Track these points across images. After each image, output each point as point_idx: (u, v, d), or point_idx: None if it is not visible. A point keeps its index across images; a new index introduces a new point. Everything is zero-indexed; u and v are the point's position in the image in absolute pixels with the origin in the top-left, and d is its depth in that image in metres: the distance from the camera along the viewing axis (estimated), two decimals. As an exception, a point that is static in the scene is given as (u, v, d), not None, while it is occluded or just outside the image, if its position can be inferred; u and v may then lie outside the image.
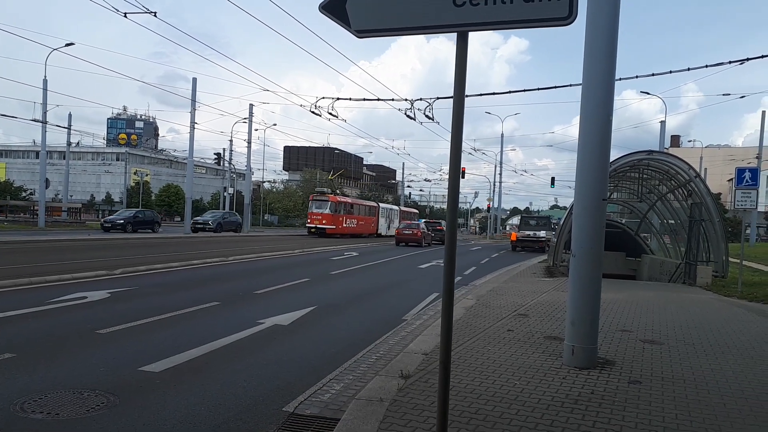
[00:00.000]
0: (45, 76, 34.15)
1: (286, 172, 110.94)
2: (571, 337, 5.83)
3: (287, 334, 7.57)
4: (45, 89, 33.99)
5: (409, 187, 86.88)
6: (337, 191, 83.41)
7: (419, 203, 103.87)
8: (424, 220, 49.00)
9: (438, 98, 22.59)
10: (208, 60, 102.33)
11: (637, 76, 18.01)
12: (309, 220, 42.20)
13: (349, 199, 48.69)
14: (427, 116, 23.02)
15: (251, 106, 44.23)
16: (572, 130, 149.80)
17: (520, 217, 56.35)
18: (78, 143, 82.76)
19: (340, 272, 16.31)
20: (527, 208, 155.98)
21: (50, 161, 69.62)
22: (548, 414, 4.24)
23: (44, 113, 34.06)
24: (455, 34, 3.13)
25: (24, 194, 71.70)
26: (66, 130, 51.07)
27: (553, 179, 53.62)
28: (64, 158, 64.89)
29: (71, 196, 72.23)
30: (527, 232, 38.34)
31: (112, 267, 13.44)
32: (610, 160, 6.66)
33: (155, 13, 15.77)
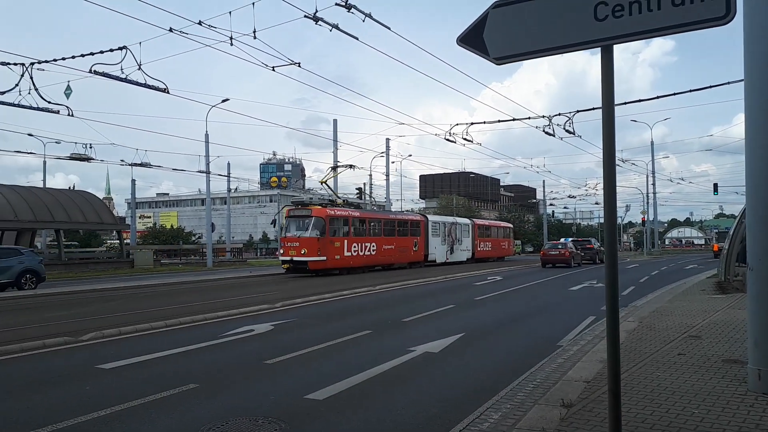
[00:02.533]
0: (206, 131, 38.12)
1: (423, 200, 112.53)
2: (756, 360, 5.20)
3: (439, 361, 7.59)
4: (207, 143, 37.91)
5: (551, 205, 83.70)
6: (476, 213, 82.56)
7: (564, 221, 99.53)
8: (571, 239, 42.70)
9: (578, 111, 21.78)
10: (346, 101, 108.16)
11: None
12: (282, 250, 27.38)
13: (357, 212, 30.48)
14: (567, 131, 22.21)
15: (387, 140, 45.76)
16: (734, 130, 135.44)
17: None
18: (236, 189, 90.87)
19: (485, 297, 16.06)
20: (687, 218, 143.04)
21: (214, 207, 76.99)
22: (738, 448, 3.80)
23: (207, 164, 37.93)
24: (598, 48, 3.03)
25: (193, 238, 79.90)
26: (226, 177, 56.38)
27: (715, 186, 49.30)
28: (225, 203, 71.42)
29: (233, 237, 79.14)
30: None
31: (273, 301, 14.44)
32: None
33: (299, 63, 17.02)
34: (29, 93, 16.61)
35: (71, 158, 29.02)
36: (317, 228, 25.99)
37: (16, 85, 16.49)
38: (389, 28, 15.47)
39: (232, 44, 14.71)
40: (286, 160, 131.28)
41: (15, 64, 16.47)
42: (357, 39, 15.80)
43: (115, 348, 8.83)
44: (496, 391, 5.85)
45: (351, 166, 34.26)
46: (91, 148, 27.68)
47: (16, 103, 16.96)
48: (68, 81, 17.40)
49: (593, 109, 21.16)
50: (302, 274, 25.95)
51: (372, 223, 30.81)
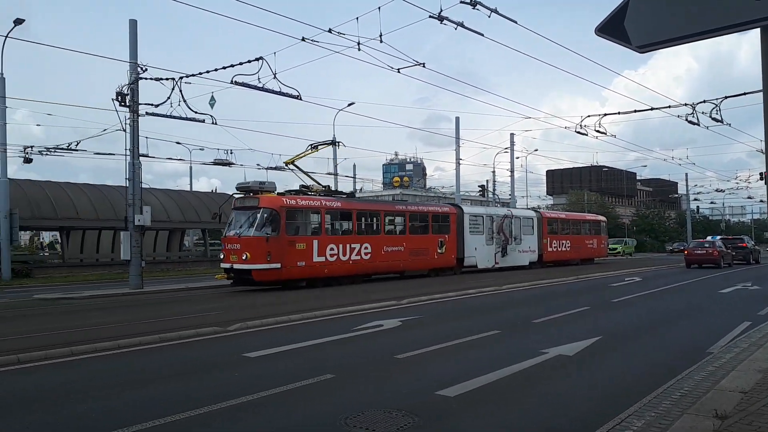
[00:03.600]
0: (334, 134, 39.62)
1: (550, 197, 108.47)
2: None
3: (573, 364, 7.32)
4: (335, 145, 39.48)
5: (695, 200, 76.92)
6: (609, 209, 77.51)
7: (710, 217, 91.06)
8: (719, 237, 37.39)
9: (726, 97, 19.80)
10: (468, 97, 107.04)
11: None
12: (222, 254, 19.36)
13: (336, 202, 21.45)
14: (714, 119, 20.31)
15: (512, 135, 44.67)
16: None
17: None
18: (361, 189, 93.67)
19: (623, 300, 15.16)
20: None
21: (341, 206, 79.63)
22: None
23: (335, 166, 39.42)
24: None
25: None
26: (352, 179, 58.30)
27: None
28: (351, 203, 73.49)
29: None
30: None
31: (399, 297, 14.72)
32: None
33: (423, 64, 17.17)
34: (179, 104, 18.33)
35: (214, 163, 31.49)
36: (266, 223, 18.28)
37: (168, 98, 18.27)
38: (516, 22, 15.12)
39: (359, 49, 15.20)
40: (408, 160, 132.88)
41: (167, 79, 18.26)
42: (482, 35, 15.63)
43: (258, 338, 9.51)
44: (638, 397, 5.53)
45: (334, 143, 27.99)
46: (231, 153, 29.85)
47: (168, 114, 18.81)
48: (212, 92, 18.94)
49: (746, 93, 19.15)
50: (248, 287, 18.96)
51: (364, 217, 22.12)
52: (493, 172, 55.99)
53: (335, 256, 20.13)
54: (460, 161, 38.77)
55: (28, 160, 24.18)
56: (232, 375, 7.01)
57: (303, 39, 15.66)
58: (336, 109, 38.40)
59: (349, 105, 35.92)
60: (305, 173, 22.47)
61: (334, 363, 7.53)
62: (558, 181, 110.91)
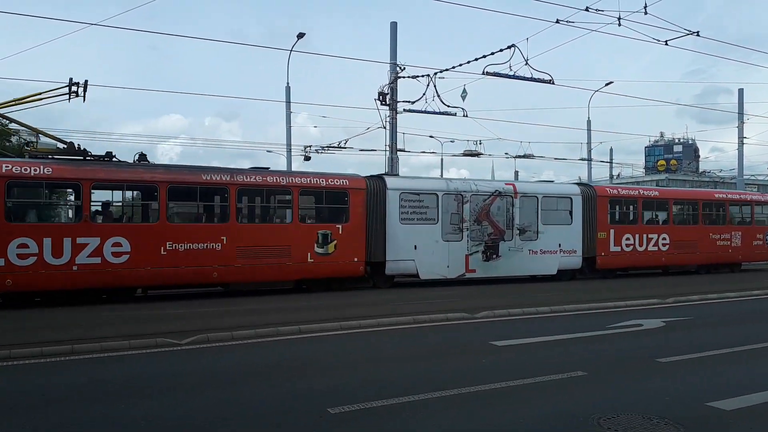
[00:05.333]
0: (588, 117, 37.51)
1: None
2: None
3: None
4: (588, 129, 37.31)
5: None
6: None
7: None
8: None
9: None
10: (753, 65, 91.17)
11: None
12: None
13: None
14: None
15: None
16: None
17: None
18: (618, 175, 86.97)
19: None
20: None
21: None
22: None
23: (588, 151, 37.32)
24: None
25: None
26: (608, 163, 54.50)
27: None
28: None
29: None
30: None
31: (664, 296, 13.33)
32: None
33: (697, 32, 15.19)
34: (433, 100, 19.28)
35: (464, 154, 32.41)
36: None
37: (423, 94, 19.35)
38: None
39: (620, 24, 14.13)
40: (676, 141, 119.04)
41: (422, 76, 19.33)
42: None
43: (504, 327, 9.57)
44: None
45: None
46: (480, 144, 30.40)
47: (423, 110, 19.92)
48: (464, 84, 19.49)
49: None
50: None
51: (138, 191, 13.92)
52: (788, 151, 46.63)
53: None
54: (744, 140, 33.35)
55: (307, 158, 27.96)
56: (479, 362, 7.18)
57: (557, 21, 15.12)
58: (591, 91, 36.31)
59: (607, 85, 33.61)
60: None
61: (586, 360, 7.18)
62: None
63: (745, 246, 21.16)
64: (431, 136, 42.25)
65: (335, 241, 14.31)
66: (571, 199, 17.99)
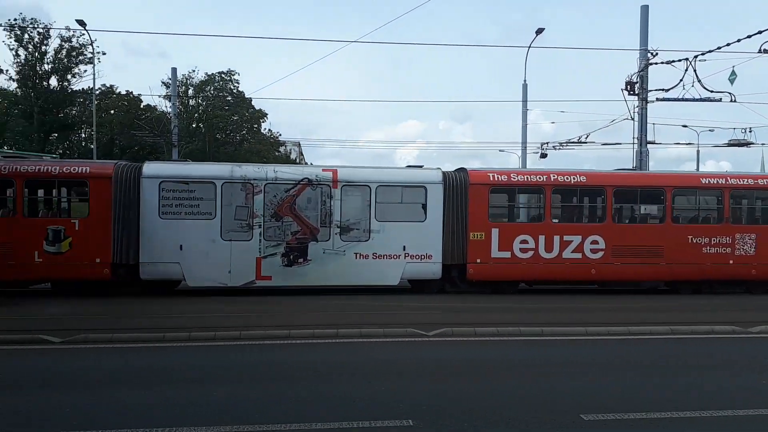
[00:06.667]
0: None
1: None
2: None
3: None
4: None
5: None
6: None
7: None
8: None
9: None
10: None
11: None
12: None
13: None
14: None
15: None
16: None
17: None
18: None
19: None
20: None
21: None
22: None
23: None
24: None
25: None
26: None
27: None
28: None
29: None
30: None
31: None
32: None
33: None
34: (692, 86, 17.21)
35: (729, 144, 28.41)
36: None
37: (680, 80, 17.39)
38: None
39: None
40: None
41: (679, 61, 17.39)
42: None
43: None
44: None
45: None
46: (750, 132, 26.29)
47: (679, 97, 17.91)
48: (732, 66, 17.00)
49: None
50: None
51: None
52: None
53: None
54: None
55: (543, 155, 27.26)
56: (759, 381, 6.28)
57: None
58: None
59: None
60: None
61: None
62: None
63: (763, 255, 13.51)
64: (684, 126, 37.86)
65: (70, 239, 12.18)
66: (425, 188, 13.38)
